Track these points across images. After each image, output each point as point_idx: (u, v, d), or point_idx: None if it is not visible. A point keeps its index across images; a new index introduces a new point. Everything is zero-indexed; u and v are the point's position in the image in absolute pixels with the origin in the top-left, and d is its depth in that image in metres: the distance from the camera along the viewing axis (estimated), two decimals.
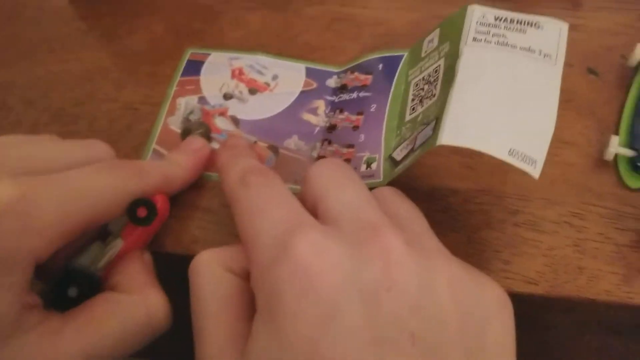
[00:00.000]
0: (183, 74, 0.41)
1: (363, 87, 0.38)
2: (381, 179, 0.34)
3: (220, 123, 0.38)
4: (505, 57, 0.30)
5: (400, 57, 0.38)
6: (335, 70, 0.40)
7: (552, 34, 0.31)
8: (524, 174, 0.29)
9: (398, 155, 0.33)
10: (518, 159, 0.27)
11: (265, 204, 0.26)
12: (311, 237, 0.24)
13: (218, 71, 0.40)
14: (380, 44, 0.41)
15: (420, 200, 0.34)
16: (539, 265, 0.33)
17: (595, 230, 0.34)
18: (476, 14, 0.31)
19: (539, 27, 0.31)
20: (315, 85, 0.39)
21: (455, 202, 0.35)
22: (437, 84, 0.32)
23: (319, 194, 0.27)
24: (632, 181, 0.35)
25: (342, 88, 0.39)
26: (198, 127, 0.38)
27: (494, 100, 0.28)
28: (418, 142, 0.30)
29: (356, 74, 0.39)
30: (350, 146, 0.36)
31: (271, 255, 0.24)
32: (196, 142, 0.36)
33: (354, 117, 0.37)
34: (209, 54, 0.41)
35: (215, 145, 0.37)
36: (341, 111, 0.38)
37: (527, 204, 0.35)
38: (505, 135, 0.28)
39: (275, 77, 0.40)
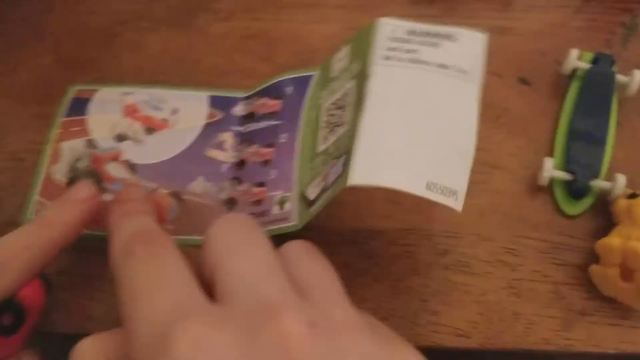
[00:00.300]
0: (67, 114, 0.35)
1: (272, 115, 0.33)
2: (295, 222, 0.29)
3: (113, 170, 0.33)
4: (418, 77, 0.26)
5: (308, 78, 0.33)
6: (242, 95, 0.35)
7: (469, 46, 0.27)
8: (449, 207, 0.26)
9: (311, 193, 0.28)
10: (437, 192, 0.24)
11: (149, 284, 0.22)
12: (195, 331, 0.20)
13: (108, 109, 0.35)
14: (296, 62, 0.36)
15: (343, 245, 0.30)
16: (471, 314, 0.29)
17: (530, 268, 0.30)
18: (386, 28, 0.27)
19: (454, 39, 0.27)
20: (219, 115, 0.35)
21: (379, 246, 0.31)
22: (347, 109, 0.28)
23: (214, 263, 0.23)
24: (569, 207, 0.32)
25: (249, 116, 0.34)
26: (87, 177, 0.33)
27: (405, 128, 0.25)
28: (330, 179, 0.26)
29: (264, 99, 0.34)
30: (261, 185, 0.31)
31: (150, 350, 0.20)
32: (82, 190, 0.30)
33: (264, 150, 0.32)
34: (97, 90, 0.36)
35: (108, 197, 0.32)
36: (250, 144, 0.33)
37: (457, 242, 0.31)
38: (420, 167, 0.24)
39: (174, 112, 0.35)
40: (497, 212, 0.32)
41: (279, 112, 0.33)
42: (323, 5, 0.39)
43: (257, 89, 0.35)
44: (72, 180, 0.33)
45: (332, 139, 0.28)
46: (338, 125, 0.28)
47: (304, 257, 0.25)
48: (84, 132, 0.34)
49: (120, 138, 0.34)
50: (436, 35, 0.27)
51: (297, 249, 0.25)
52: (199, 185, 0.33)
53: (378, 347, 0.21)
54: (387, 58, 0.26)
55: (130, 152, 0.34)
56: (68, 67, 0.38)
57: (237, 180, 0.32)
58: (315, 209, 0.27)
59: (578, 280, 0.30)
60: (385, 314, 0.29)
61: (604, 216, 0.31)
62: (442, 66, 0.26)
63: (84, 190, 0.30)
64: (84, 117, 0.35)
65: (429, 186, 0.24)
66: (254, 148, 0.33)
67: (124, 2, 0.40)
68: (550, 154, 0.33)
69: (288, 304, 0.21)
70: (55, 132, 0.35)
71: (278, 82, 0.34)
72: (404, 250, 0.31)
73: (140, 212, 0.27)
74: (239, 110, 0.35)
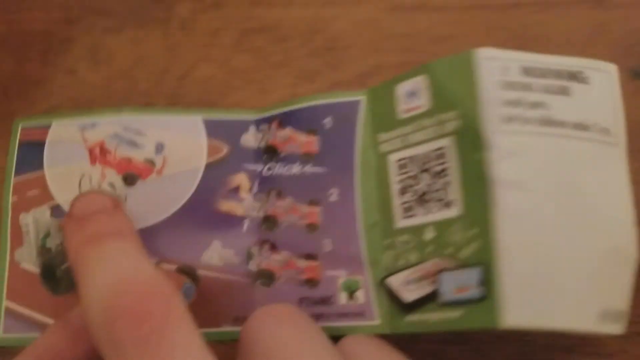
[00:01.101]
0: (19, 171, 0.25)
1: (307, 157, 0.24)
2: (378, 323, 0.22)
3: None
4: (556, 149, 0.18)
5: (353, 106, 0.24)
6: (252, 117, 0.26)
7: (601, 88, 0.19)
8: None
9: (402, 290, 0.20)
10: (610, 321, 0.17)
11: None
12: None
13: (69, 154, 0.25)
14: (319, 64, 0.27)
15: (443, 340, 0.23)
16: None
17: None
18: (492, 65, 0.18)
19: (585, 79, 0.19)
20: (225, 149, 0.25)
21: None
22: (448, 180, 0.19)
23: None
24: None
25: (270, 151, 0.25)
26: (63, 260, 0.24)
27: (558, 230, 0.17)
28: (446, 289, 0.19)
29: (289, 130, 0.25)
30: (312, 257, 0.23)
31: None
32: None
33: (305, 209, 0.24)
34: (49, 126, 0.26)
35: None
36: (279, 194, 0.24)
37: None
38: (590, 290, 0.17)
39: (160, 148, 0.25)
40: None
41: (318, 154, 0.24)
42: None
43: (274, 112, 0.25)
44: (45, 270, 0.24)
45: (425, 217, 0.20)
46: (431, 201, 0.20)
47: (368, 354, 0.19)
48: (45, 196, 0.25)
49: None
50: (561, 74, 0.18)
51: (364, 346, 0.19)
52: (215, 254, 0.24)
53: None
54: (509, 119, 0.18)
55: None
56: (6, 97, 0.28)
57: (269, 245, 0.24)
58: (420, 322, 0.20)
59: None
60: None
61: None
62: (581, 127, 0.18)
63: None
64: (42, 173, 0.25)
65: (603, 317, 0.17)
66: (287, 202, 0.24)
67: None
68: None
69: None
70: (10, 200, 0.25)
71: (309, 107, 0.24)
72: (510, 331, 0.23)
73: (110, 236, 0.19)
74: (250, 139, 0.25)
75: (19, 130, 0.26)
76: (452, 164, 0.19)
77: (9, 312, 0.24)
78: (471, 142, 0.18)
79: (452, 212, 0.19)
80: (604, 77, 0.19)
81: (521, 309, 0.17)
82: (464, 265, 0.18)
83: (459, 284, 0.18)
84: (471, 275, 0.18)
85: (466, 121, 0.19)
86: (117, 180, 0.25)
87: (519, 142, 0.18)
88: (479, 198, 0.18)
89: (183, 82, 0.27)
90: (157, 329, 0.15)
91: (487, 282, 0.17)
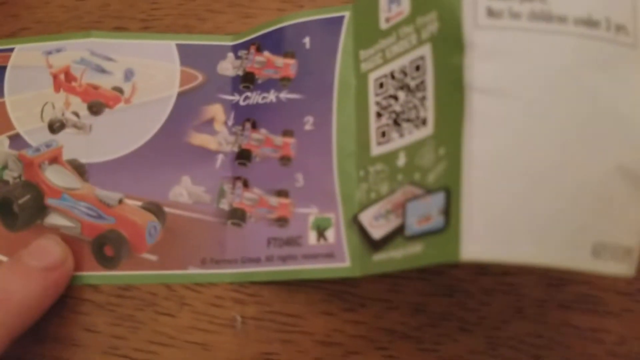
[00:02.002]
0: None
1: (284, 83, 0.22)
2: (348, 264, 0.20)
3: (56, 177, 0.22)
4: (552, 49, 0.15)
5: (336, 23, 0.21)
6: (229, 43, 0.23)
7: None
8: None
9: (372, 226, 0.18)
10: (607, 257, 0.14)
11: None
12: None
13: (32, 81, 0.23)
14: None
15: (413, 278, 0.22)
16: None
17: None
18: None
19: None
20: (201, 78, 0.23)
21: (463, 278, 0.22)
22: (423, 95, 0.17)
23: None
24: None
25: (247, 79, 0.22)
26: (21, 193, 0.22)
27: (551, 145, 0.15)
28: (411, 220, 0.16)
29: (266, 54, 0.22)
30: (283, 194, 0.21)
31: None
32: (48, 251, 0.21)
33: (279, 141, 0.21)
34: (12, 49, 0.24)
35: (55, 219, 0.22)
36: (254, 125, 0.22)
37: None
38: (582, 219, 0.15)
39: (129, 74, 0.23)
40: None
41: (295, 78, 0.22)
42: None
43: (252, 35, 0.23)
44: (3, 203, 0.22)
45: (399, 141, 0.17)
46: (407, 120, 0.17)
47: None
48: (4, 124, 0.23)
49: (56, 127, 0.23)
50: None
51: None
52: (184, 191, 0.22)
53: None
54: (494, 14, 0.15)
55: (74, 146, 0.23)
56: None
57: (242, 181, 0.22)
58: (386, 261, 0.18)
59: None
60: None
61: None
62: (587, 22, 0.15)
63: (55, 252, 0.21)
64: (2, 99, 0.23)
65: (596, 252, 0.14)
66: (261, 134, 0.21)
67: None
68: None
69: None
70: None
71: (287, 27, 0.22)
72: (501, 281, 0.22)
73: None
74: (227, 67, 0.23)
75: None
76: (429, 75, 0.17)
77: None
78: (449, 45, 0.16)
79: (424, 132, 0.17)
80: None
81: (491, 240, 0.14)
82: (430, 191, 0.16)
83: (423, 213, 0.16)
84: (435, 203, 0.15)
85: (445, 21, 0.16)
86: (82, 109, 0.23)
87: (504, 41, 0.15)
88: (452, 111, 0.15)
89: (158, 4, 0.25)
90: None
91: (449, 209, 0.15)
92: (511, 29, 0.15)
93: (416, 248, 0.16)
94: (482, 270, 0.22)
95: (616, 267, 0.15)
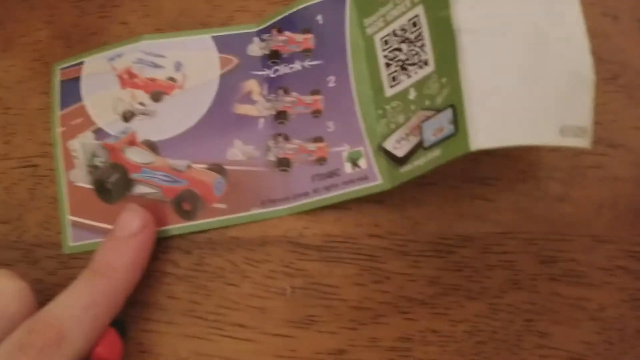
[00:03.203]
0: (62, 106, 0.29)
1: (306, 53, 0.27)
2: (380, 182, 0.25)
3: (135, 156, 0.28)
4: None
5: (341, 1, 0.27)
6: (253, 29, 0.29)
7: None
8: (557, 200, 0.22)
9: (396, 148, 0.24)
10: (571, 135, 0.20)
11: None
12: None
13: (102, 83, 0.29)
14: None
15: (426, 255, 0.26)
16: (587, 334, 0.25)
17: None
18: None
19: None
20: (236, 60, 0.29)
21: (470, 256, 0.26)
22: (422, 42, 0.22)
23: None
24: None
25: (274, 56, 0.28)
26: (111, 173, 0.28)
27: (517, 62, 0.20)
28: (428, 135, 0.22)
29: (287, 33, 0.28)
30: (319, 139, 0.27)
31: None
32: (132, 221, 0.26)
33: (309, 99, 0.27)
34: (82, 62, 0.30)
35: (140, 189, 0.28)
36: (286, 91, 0.28)
37: (567, 247, 0.25)
38: (549, 110, 0.20)
39: (179, 66, 0.29)
40: (616, 206, 0.26)
41: (314, 49, 0.27)
42: None
43: (272, 20, 0.28)
44: (98, 184, 0.28)
45: (407, 81, 0.23)
46: (413, 64, 0.23)
47: None
48: (87, 122, 0.29)
49: (127, 116, 0.29)
50: None
51: None
52: (238, 151, 0.28)
53: None
54: None
55: (145, 129, 0.28)
56: (68, 40, 0.31)
57: (283, 136, 0.27)
58: (412, 169, 0.23)
59: None
60: (484, 337, 0.25)
61: None
62: None
63: (135, 220, 0.26)
64: (82, 103, 0.29)
65: (562, 132, 0.20)
66: (293, 96, 0.27)
67: None
68: None
69: None
70: (57, 131, 0.29)
71: (301, 9, 0.27)
72: (501, 259, 0.26)
73: None
74: (255, 49, 0.29)
75: (58, 71, 0.30)
76: (424, 27, 0.22)
77: (75, 224, 0.28)
78: (438, 3, 0.21)
79: (427, 70, 0.22)
80: None
81: (490, 132, 0.19)
82: (439, 110, 0.21)
83: (436, 127, 0.21)
84: (445, 117, 0.21)
85: None
86: (146, 99, 0.29)
87: None
88: (447, 50, 0.21)
89: (176, 5, 0.30)
90: None
91: (456, 118, 0.20)
92: None
93: (435, 153, 0.21)
94: (486, 248, 0.26)
95: (577, 142, 0.20)
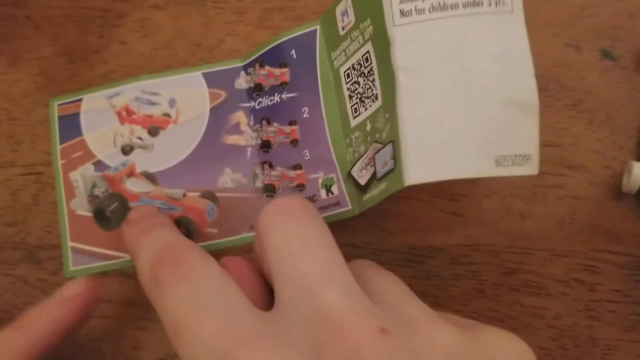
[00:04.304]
0: (62, 140, 0.32)
1: (283, 86, 0.30)
2: (350, 207, 0.27)
3: (134, 186, 0.31)
4: (450, 29, 0.22)
5: (312, 35, 0.29)
6: (239, 64, 0.31)
7: None
8: (519, 216, 0.23)
9: (360, 176, 0.26)
10: (509, 164, 0.21)
11: (188, 316, 0.19)
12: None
13: (102, 120, 0.32)
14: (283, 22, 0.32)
15: (398, 264, 0.28)
16: (544, 340, 0.27)
17: (611, 287, 0.27)
18: None
19: None
20: (224, 94, 0.31)
21: (438, 266, 0.28)
22: (373, 77, 0.24)
23: (270, 265, 0.20)
24: None
25: (257, 89, 0.30)
26: (110, 202, 0.30)
27: (452, 97, 0.21)
28: (379, 166, 0.23)
29: (267, 67, 0.30)
30: (298, 167, 0.29)
31: None
32: (72, 286, 0.27)
33: (287, 129, 0.29)
34: (81, 99, 0.32)
35: None
36: (268, 122, 0.30)
37: (527, 260, 0.27)
38: (482, 142, 0.21)
39: (172, 103, 0.31)
40: (573, 223, 0.28)
41: (290, 82, 0.29)
42: None
43: (255, 55, 0.31)
44: (97, 212, 0.30)
45: (365, 113, 0.25)
46: (368, 98, 0.25)
47: (371, 269, 0.22)
48: (87, 155, 0.31)
49: (127, 150, 0.31)
50: None
51: (361, 264, 0.23)
52: (228, 179, 0.30)
53: (465, 337, 0.19)
54: (403, 14, 0.22)
55: (143, 161, 0.31)
56: (71, 58, 0.33)
57: (268, 164, 0.29)
58: (369, 199, 0.25)
59: None
60: None
61: None
62: (472, 4, 0.22)
63: (75, 286, 0.27)
64: (82, 137, 0.32)
65: (498, 162, 0.21)
66: (274, 127, 0.29)
67: None
68: (639, 153, 0.28)
69: (354, 312, 0.18)
70: (58, 163, 0.31)
71: (278, 44, 0.30)
72: (467, 270, 0.28)
73: (155, 226, 0.24)
74: (242, 82, 0.31)
75: (55, 107, 0.32)
76: (374, 63, 0.24)
77: (75, 250, 0.30)
78: (381, 41, 0.23)
79: (377, 104, 0.24)
80: None
81: (422, 169, 0.20)
82: (384, 144, 0.23)
83: (383, 160, 0.23)
84: (387, 152, 0.22)
85: (376, 24, 0.23)
86: (144, 134, 0.31)
87: (414, 32, 0.21)
88: (389, 86, 0.22)
89: (213, 52, 0.32)
90: (185, 268, 0.21)
91: (395, 154, 0.22)
92: (417, 22, 0.21)
93: (383, 185, 0.23)
94: (454, 259, 0.28)
95: (518, 170, 0.21)
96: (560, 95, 0.23)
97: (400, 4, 0.22)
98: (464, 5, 0.22)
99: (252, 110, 0.30)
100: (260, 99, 0.30)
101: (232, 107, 0.31)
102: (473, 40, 0.21)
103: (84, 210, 0.31)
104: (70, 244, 0.31)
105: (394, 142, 0.22)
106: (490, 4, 0.22)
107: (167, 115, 0.31)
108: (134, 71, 0.32)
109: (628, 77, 0.28)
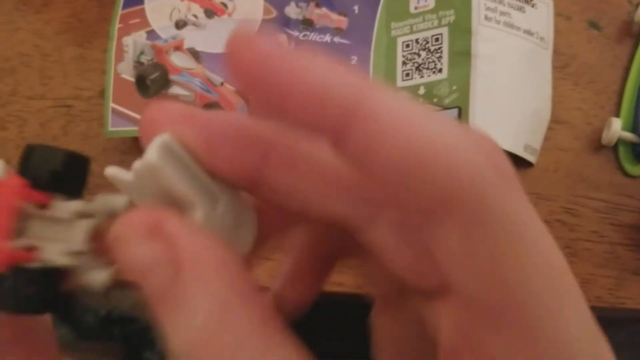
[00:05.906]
0: (124, 6, 0.33)
1: (337, 31, 0.35)
2: None
3: (178, 60, 0.33)
4: (512, 42, 0.31)
5: (377, 1, 0.35)
6: None
7: (542, 13, 0.32)
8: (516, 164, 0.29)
9: None
10: (529, 152, 0.31)
11: None
12: None
13: None
14: None
15: None
16: None
17: (589, 228, 0.31)
18: None
19: (534, 5, 0.32)
20: (274, 13, 0.35)
21: None
22: (441, 56, 0.32)
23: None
24: (632, 168, 0.32)
25: (307, 23, 0.36)
26: (152, 71, 0.33)
27: (508, 90, 0.30)
28: None
29: (324, 10, 0.36)
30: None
31: None
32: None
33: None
34: None
35: (176, 90, 0.33)
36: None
37: None
38: (520, 130, 0.30)
39: None
40: (558, 171, 0.32)
41: (346, 30, 0.35)
42: None
43: None
44: (138, 78, 0.32)
45: (419, 79, 0.32)
46: (427, 69, 0.32)
47: None
48: (143, 23, 0.33)
49: (180, 25, 0.34)
50: None
51: None
52: None
53: None
54: (487, 19, 0.31)
55: (192, 38, 0.34)
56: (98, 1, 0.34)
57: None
58: None
59: (634, 241, 0.30)
60: None
61: None
62: (528, 32, 0.31)
63: None
64: (142, 6, 0.33)
65: (525, 148, 0.30)
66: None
67: None
68: (618, 110, 0.33)
69: None
70: (116, 27, 0.33)
71: None
72: None
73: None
74: (292, 11, 0.36)
75: None
76: (444, 44, 0.32)
77: (115, 112, 0.33)
78: (461, 31, 0.31)
79: (440, 76, 0.32)
80: (544, 5, 0.32)
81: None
82: (446, 108, 0.31)
83: None
84: (451, 114, 0.30)
85: (458, 17, 0.32)
86: (200, 12, 0.34)
87: (492, 34, 0.31)
88: (461, 66, 0.31)
89: None
90: None
91: (462, 116, 0.30)
92: (495, 28, 0.31)
93: None
94: None
95: (530, 157, 0.30)
96: (551, 59, 0.29)
97: (485, 10, 0.31)
98: (524, 31, 0.32)
99: (296, 39, 0.35)
100: (308, 33, 0.35)
101: (278, 27, 0.35)
102: (524, 57, 0.31)
103: (128, 74, 0.33)
104: (111, 105, 0.32)
105: (461, 108, 0.30)
106: (537, 37, 0.32)
107: (225, 5, 0.34)
108: None
109: (610, 46, 0.33)
